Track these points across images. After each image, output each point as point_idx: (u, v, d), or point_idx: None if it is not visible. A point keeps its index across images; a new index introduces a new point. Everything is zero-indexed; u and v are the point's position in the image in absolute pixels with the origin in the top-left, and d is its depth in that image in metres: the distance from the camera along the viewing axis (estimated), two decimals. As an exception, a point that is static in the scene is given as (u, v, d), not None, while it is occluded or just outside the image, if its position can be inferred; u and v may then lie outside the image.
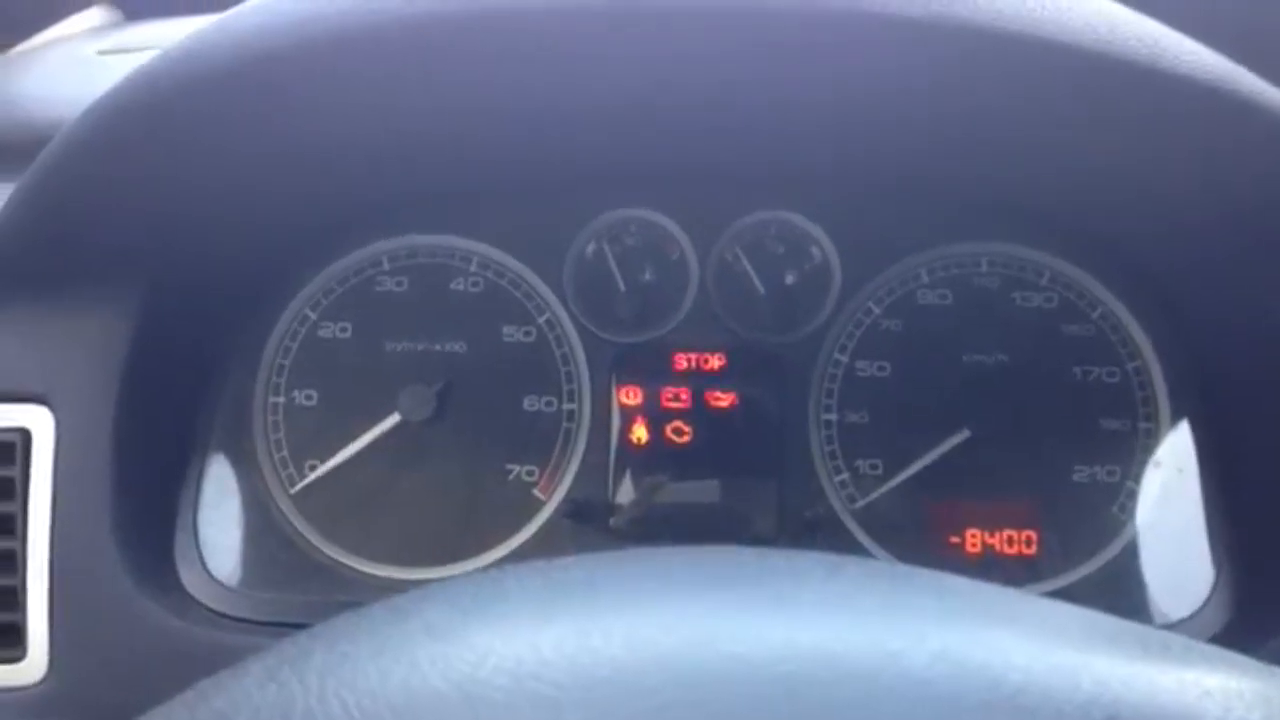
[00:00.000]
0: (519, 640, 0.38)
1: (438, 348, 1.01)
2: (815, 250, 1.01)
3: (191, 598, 0.95)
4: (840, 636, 0.37)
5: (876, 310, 1.01)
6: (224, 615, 0.95)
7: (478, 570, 0.99)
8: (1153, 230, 0.92)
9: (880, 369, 1.00)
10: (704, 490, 0.99)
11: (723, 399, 1.00)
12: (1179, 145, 0.77)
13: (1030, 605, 0.40)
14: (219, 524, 1.01)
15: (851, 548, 0.97)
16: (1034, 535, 0.97)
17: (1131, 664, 0.36)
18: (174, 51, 0.77)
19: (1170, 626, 0.92)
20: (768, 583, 0.41)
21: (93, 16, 1.36)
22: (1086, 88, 0.75)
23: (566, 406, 1.01)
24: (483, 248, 1.02)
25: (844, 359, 1.00)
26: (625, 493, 0.99)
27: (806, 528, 0.97)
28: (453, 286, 1.03)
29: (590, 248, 1.03)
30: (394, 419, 0.99)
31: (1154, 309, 0.98)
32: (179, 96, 0.76)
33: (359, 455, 1.00)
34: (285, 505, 1.03)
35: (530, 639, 0.38)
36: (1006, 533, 0.97)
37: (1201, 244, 0.88)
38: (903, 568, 0.44)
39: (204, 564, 0.99)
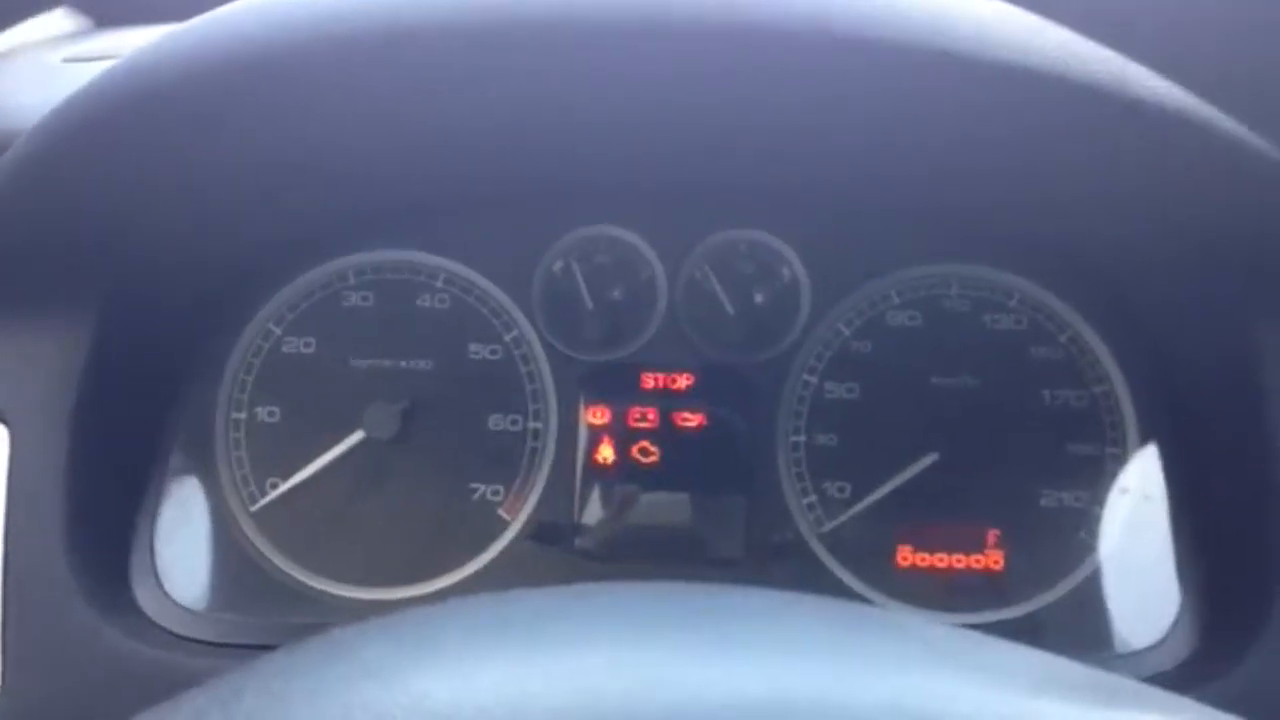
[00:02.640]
0: (457, 683, 0.37)
1: (403, 365, 1.00)
2: (785, 270, 1.00)
3: (148, 619, 0.93)
4: (787, 685, 0.36)
5: (846, 331, 1.00)
6: (182, 638, 0.93)
7: (426, 600, 0.97)
8: (1121, 254, 0.93)
9: (849, 391, 0.99)
10: (670, 512, 0.98)
11: (690, 419, 0.99)
12: (1149, 173, 0.76)
13: (984, 648, 0.39)
14: (178, 544, 0.99)
15: (818, 572, 0.97)
16: (1001, 560, 0.96)
17: (1083, 711, 0.36)
18: (122, 66, 0.75)
19: (1136, 654, 0.91)
20: (716, 624, 0.40)
21: (61, 23, 1.34)
22: (1056, 115, 0.75)
23: (532, 425, 1.00)
24: (450, 264, 1.01)
25: (813, 380, 1.00)
26: (591, 513, 0.98)
27: (773, 551, 0.97)
28: (419, 303, 1.01)
29: (558, 265, 1.01)
30: (358, 436, 0.98)
31: (1122, 333, 0.97)
32: (126, 112, 0.75)
33: (322, 473, 0.98)
34: (246, 524, 1.01)
35: (468, 682, 0.37)
36: (974, 557, 0.97)
37: (1170, 269, 0.88)
38: (855, 606, 0.43)
39: (161, 585, 0.97)
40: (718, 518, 0.98)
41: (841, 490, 0.98)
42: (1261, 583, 0.85)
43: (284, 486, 1.00)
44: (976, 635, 0.41)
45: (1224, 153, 0.71)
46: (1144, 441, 0.96)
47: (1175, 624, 0.91)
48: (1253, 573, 0.86)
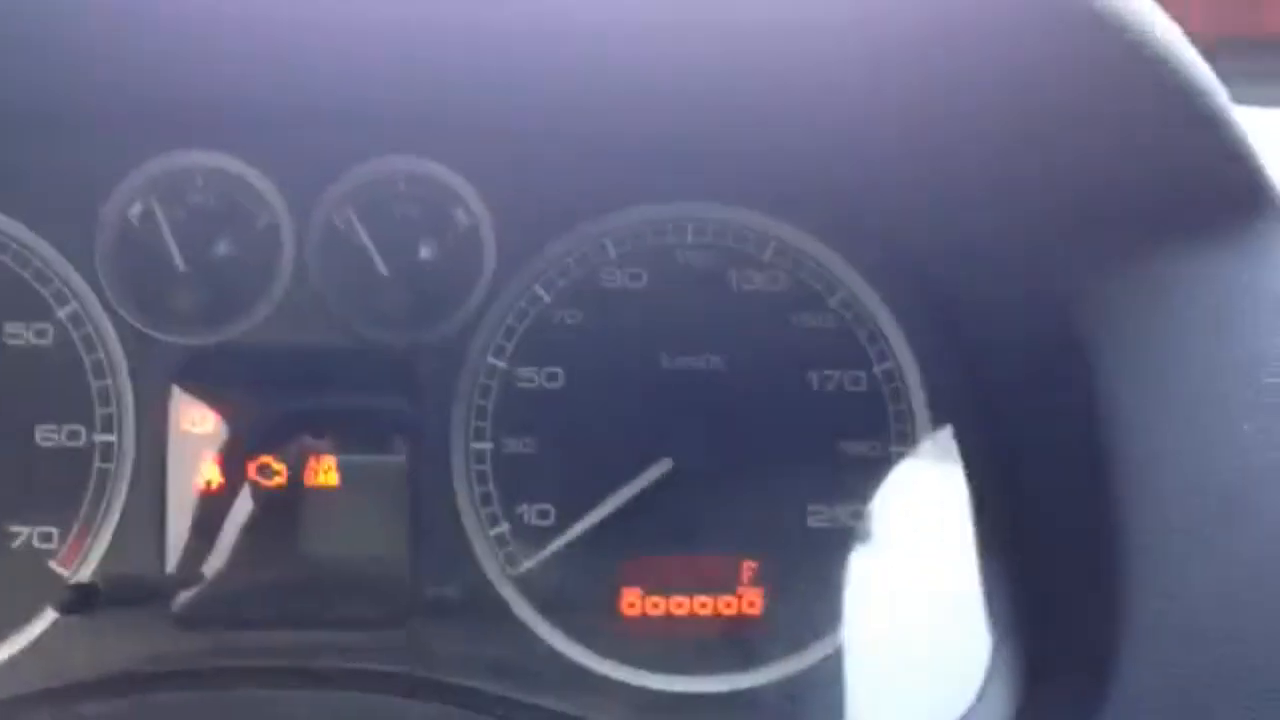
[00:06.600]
0: None
1: (-96, 355, 0.80)
2: (461, 214, 0.85)
3: None
4: None
5: (545, 296, 0.85)
6: None
7: None
8: (909, 190, 0.80)
9: (551, 378, 0.84)
10: (302, 556, 0.81)
11: (331, 423, 0.83)
12: (951, 58, 0.63)
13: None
14: None
15: (510, 629, 0.81)
16: (758, 601, 0.83)
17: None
18: None
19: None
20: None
21: None
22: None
23: (101, 439, 0.82)
24: (-26, 209, 0.81)
25: (501, 364, 0.84)
26: (188, 563, 0.80)
27: (449, 606, 0.81)
28: (-73, 266, 0.82)
29: (135, 209, 0.83)
30: None
31: (910, 294, 0.85)
32: None
33: None
34: None
35: None
36: (723, 599, 0.83)
37: (969, 209, 0.76)
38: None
39: None
40: (370, 563, 0.82)
41: (543, 515, 0.83)
42: (1098, 621, 0.69)
43: None
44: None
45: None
46: (937, 434, 0.85)
47: (987, 682, 0.78)
48: (1086, 608, 0.71)
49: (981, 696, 0.78)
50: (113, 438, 0.81)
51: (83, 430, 0.81)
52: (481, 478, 0.83)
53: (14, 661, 0.77)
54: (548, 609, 0.82)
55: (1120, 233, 0.73)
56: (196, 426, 0.81)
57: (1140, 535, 0.70)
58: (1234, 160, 0.68)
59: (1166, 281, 0.73)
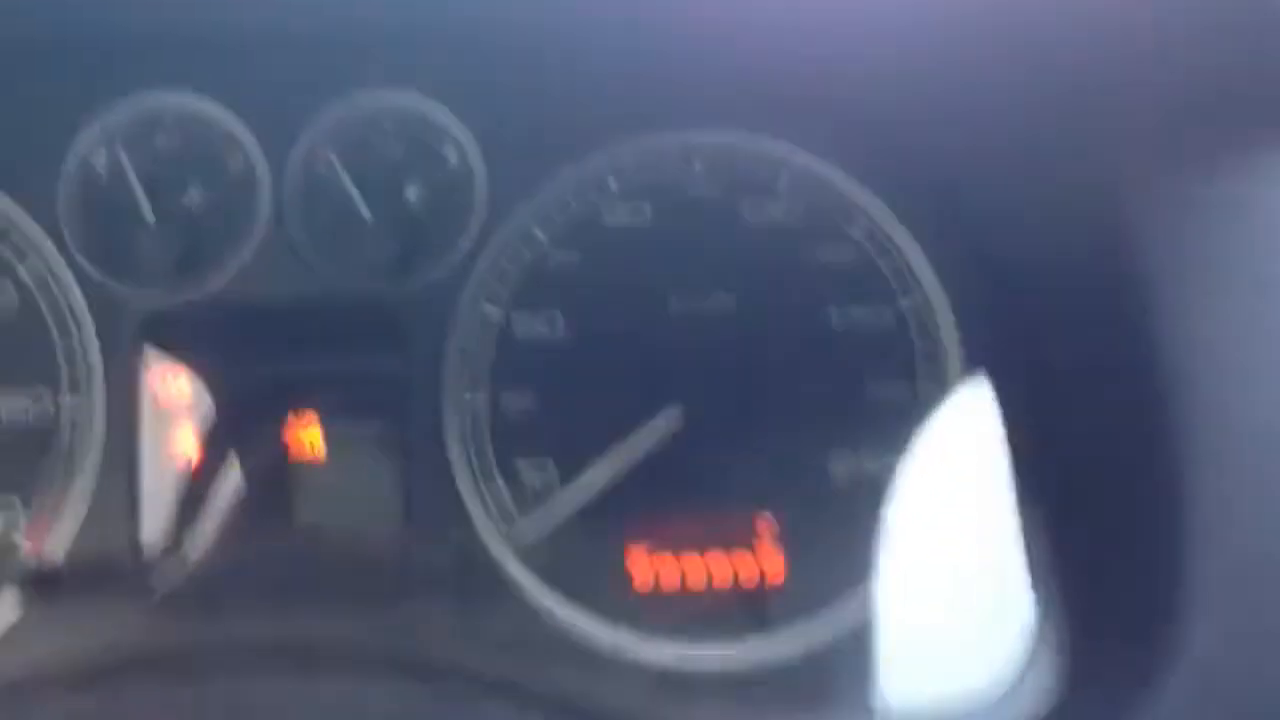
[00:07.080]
0: None
1: None
2: (451, 151, 0.81)
3: None
4: None
5: (542, 237, 0.81)
6: None
7: None
8: (938, 103, 0.76)
9: (549, 324, 0.80)
10: (289, 528, 0.77)
11: (316, 381, 0.79)
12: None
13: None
14: None
15: (507, 595, 0.76)
16: (778, 559, 0.77)
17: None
18: None
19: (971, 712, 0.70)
20: None
21: None
22: None
23: (68, 404, 0.77)
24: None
25: (496, 311, 0.80)
26: (165, 538, 0.75)
27: (443, 574, 0.76)
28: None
29: (99, 156, 0.80)
30: None
31: (937, 219, 0.81)
32: None
33: None
34: None
35: None
36: (739, 555, 0.77)
37: (1016, 123, 0.72)
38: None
39: None
40: (360, 531, 0.77)
41: (543, 472, 0.78)
42: (1154, 585, 0.63)
43: None
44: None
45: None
46: (970, 375, 0.80)
47: (1030, 653, 0.72)
48: (1139, 570, 0.66)
49: (1024, 669, 0.73)
50: (80, 403, 0.77)
51: (46, 395, 0.77)
52: (477, 434, 0.78)
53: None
54: (549, 574, 0.77)
55: (1188, 144, 0.65)
56: (170, 389, 0.77)
57: (1200, 485, 0.64)
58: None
59: (1235, 200, 0.65)
